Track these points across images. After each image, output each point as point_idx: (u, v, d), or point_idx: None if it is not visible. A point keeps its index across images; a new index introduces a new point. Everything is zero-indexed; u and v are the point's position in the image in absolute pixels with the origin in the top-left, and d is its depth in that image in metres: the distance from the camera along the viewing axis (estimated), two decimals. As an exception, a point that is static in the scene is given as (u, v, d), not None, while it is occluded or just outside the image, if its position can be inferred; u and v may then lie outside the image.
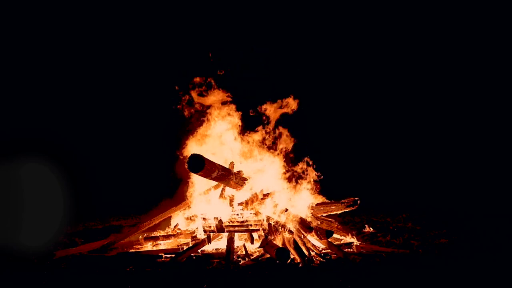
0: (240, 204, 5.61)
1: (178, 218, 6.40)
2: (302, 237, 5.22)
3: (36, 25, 12.28)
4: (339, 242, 5.68)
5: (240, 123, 6.29)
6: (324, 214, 6.09)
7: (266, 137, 6.21)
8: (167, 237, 6.21)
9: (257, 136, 6.25)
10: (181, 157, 6.26)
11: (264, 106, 6.35)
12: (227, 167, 5.75)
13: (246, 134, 6.29)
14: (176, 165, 6.56)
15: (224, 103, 6.26)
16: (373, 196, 8.99)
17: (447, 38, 13.11)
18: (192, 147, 6.28)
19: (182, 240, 6.08)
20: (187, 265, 4.81)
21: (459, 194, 10.14)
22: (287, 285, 3.97)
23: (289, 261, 4.66)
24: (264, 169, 6.06)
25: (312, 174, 5.96)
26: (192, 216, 6.08)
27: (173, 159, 6.56)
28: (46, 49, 12.55)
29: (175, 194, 6.78)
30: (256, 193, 5.70)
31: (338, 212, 6.22)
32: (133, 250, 5.94)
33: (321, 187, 6.12)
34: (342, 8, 13.20)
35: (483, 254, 4.84)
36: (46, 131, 11.78)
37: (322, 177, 5.97)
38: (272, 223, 5.29)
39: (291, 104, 6.32)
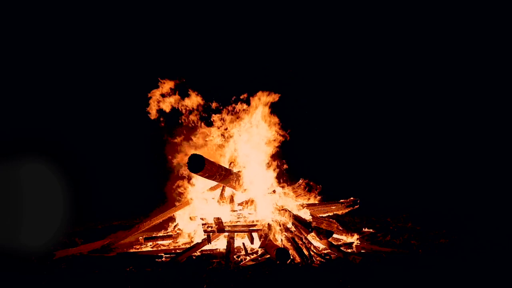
0: (240, 204, 5.62)
1: (178, 218, 6.41)
2: (302, 237, 5.22)
3: (37, 25, 12.28)
4: (339, 242, 5.68)
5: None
6: (324, 214, 6.09)
7: (263, 136, 6.20)
8: (167, 237, 6.22)
9: (254, 136, 6.23)
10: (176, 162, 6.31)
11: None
12: (227, 167, 5.75)
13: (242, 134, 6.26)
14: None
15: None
16: (373, 196, 8.98)
17: (446, 38, 13.12)
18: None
19: (182, 240, 6.09)
20: (187, 265, 4.81)
21: (459, 194, 10.14)
22: (287, 285, 3.97)
23: (289, 261, 4.66)
24: (263, 169, 6.06)
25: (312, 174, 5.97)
26: (192, 216, 6.09)
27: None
28: (47, 50, 12.55)
29: (174, 195, 6.78)
30: (255, 194, 5.70)
31: (338, 212, 6.22)
32: (133, 250, 5.95)
33: (321, 188, 6.12)
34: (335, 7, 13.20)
35: (483, 254, 4.84)
36: (46, 131, 11.77)
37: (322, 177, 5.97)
38: (272, 223, 5.29)
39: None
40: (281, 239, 5.17)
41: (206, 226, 5.47)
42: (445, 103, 13.29)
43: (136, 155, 12.49)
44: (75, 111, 12.89)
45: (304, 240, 5.18)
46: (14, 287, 4.25)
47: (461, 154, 12.61)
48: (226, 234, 5.32)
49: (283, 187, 5.92)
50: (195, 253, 5.27)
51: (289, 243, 5.04)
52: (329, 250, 5.19)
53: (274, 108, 6.30)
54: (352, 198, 6.21)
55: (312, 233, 5.23)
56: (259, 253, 5.14)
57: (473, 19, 12.59)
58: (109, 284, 4.11)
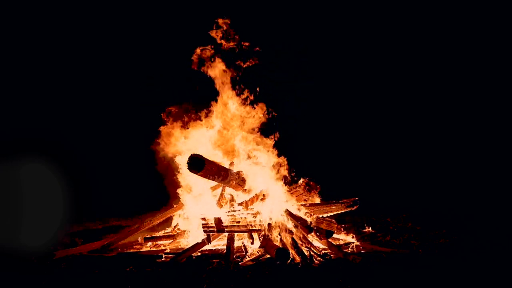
0: (240, 204, 5.61)
1: (178, 218, 6.40)
2: (302, 237, 5.22)
3: (37, 25, 12.28)
4: (339, 242, 5.68)
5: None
6: (324, 215, 6.08)
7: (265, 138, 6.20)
8: (167, 237, 6.21)
9: (255, 137, 6.23)
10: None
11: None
12: (227, 167, 5.75)
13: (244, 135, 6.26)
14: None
15: None
16: (373, 196, 8.98)
17: (447, 39, 13.12)
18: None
19: (182, 240, 6.09)
20: (187, 265, 4.81)
21: (459, 194, 10.13)
22: (287, 285, 3.97)
23: (289, 261, 4.65)
24: (263, 170, 6.06)
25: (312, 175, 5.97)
26: (193, 216, 6.08)
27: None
28: (47, 51, 12.55)
29: (174, 195, 6.77)
30: (256, 194, 5.69)
31: (338, 212, 6.22)
32: (133, 250, 5.95)
33: (321, 188, 6.12)
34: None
35: (483, 254, 4.84)
36: (46, 131, 11.78)
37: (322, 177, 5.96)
38: (272, 223, 5.29)
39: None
40: (281, 239, 5.17)
41: (206, 226, 5.47)
42: (445, 103, 13.30)
43: (136, 154, 12.49)
44: (75, 111, 12.90)
45: (304, 240, 5.17)
46: (14, 287, 4.25)
47: (460, 154, 12.61)
48: (226, 234, 5.31)
49: (283, 187, 5.92)
50: (195, 253, 5.27)
51: (289, 243, 5.04)
52: (329, 250, 5.19)
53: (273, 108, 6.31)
54: (352, 198, 6.21)
55: (312, 233, 5.23)
56: (259, 253, 5.14)
57: (473, 21, 12.59)
58: (109, 284, 4.11)
